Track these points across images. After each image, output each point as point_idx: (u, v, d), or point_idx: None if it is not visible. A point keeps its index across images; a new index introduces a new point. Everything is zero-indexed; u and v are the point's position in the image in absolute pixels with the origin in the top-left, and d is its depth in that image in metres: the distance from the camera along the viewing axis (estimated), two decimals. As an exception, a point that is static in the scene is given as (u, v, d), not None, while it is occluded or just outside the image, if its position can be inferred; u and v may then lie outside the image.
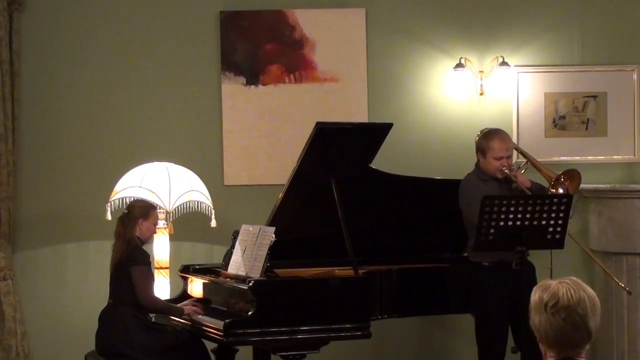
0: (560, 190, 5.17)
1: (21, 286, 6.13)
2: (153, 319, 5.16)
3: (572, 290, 2.56)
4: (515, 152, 5.52)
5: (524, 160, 5.58)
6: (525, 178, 5.13)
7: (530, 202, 4.71)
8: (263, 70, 6.24)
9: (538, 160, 5.56)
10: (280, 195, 5.07)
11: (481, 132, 5.27)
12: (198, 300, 5.28)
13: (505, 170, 5.06)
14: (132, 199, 5.43)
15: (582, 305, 2.54)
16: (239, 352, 5.34)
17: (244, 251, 4.96)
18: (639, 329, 5.98)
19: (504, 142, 5.10)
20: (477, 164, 5.21)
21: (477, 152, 5.19)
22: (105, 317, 5.03)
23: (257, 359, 5.38)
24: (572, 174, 5.23)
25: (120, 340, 4.90)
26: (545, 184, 5.33)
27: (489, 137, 5.14)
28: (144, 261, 5.00)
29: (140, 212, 5.07)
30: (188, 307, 5.08)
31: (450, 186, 5.45)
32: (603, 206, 6.08)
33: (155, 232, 5.27)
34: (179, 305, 5.14)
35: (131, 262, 4.95)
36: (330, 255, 5.22)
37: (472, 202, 4.91)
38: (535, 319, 2.63)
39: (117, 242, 5.05)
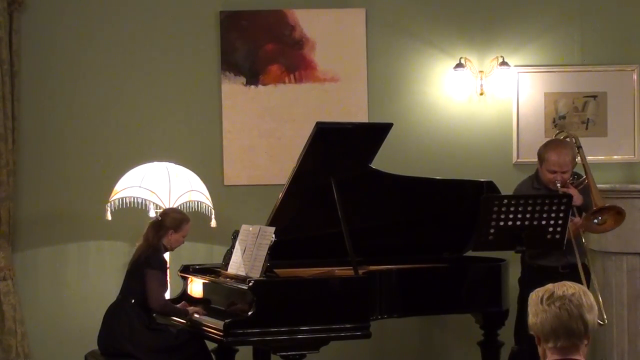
0: (595, 221, 4.99)
1: (21, 286, 6.13)
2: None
3: (567, 286, 2.64)
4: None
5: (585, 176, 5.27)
6: (578, 196, 5.00)
7: (530, 202, 4.71)
8: (263, 70, 6.24)
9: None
10: (280, 195, 5.07)
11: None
12: (198, 300, 5.29)
13: (558, 185, 5.00)
14: (131, 199, 5.45)
15: (576, 296, 2.61)
16: (239, 352, 5.35)
17: (244, 251, 4.97)
18: (639, 329, 5.98)
19: (560, 156, 5.03)
20: (537, 170, 5.19)
21: (537, 159, 5.15)
22: (111, 313, 5.05)
23: (257, 359, 5.39)
24: (620, 214, 4.99)
25: (123, 337, 4.92)
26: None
27: (548, 147, 5.10)
28: (160, 267, 5.04)
29: (172, 223, 5.10)
30: (191, 308, 5.09)
31: (450, 186, 5.45)
32: (603, 206, 6.07)
33: (182, 243, 5.28)
34: (179, 305, 5.17)
35: (147, 264, 4.99)
36: (330, 255, 5.22)
37: None
38: (532, 318, 2.65)
39: (143, 243, 5.10)
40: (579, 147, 5.24)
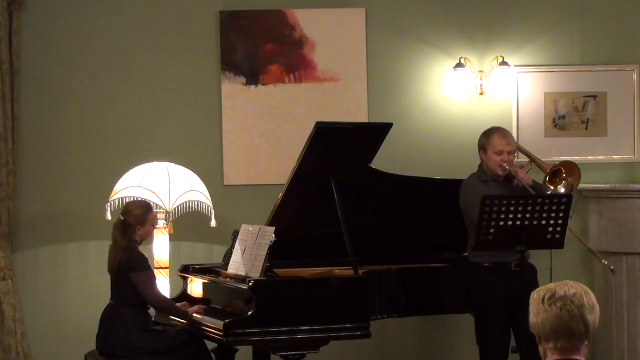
0: (562, 190, 5.17)
1: (21, 286, 6.13)
2: (154, 318, 5.17)
3: (569, 286, 2.63)
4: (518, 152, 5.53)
5: (527, 160, 5.60)
6: (526, 175, 5.13)
7: (530, 202, 4.72)
8: (263, 70, 6.24)
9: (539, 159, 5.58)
10: (280, 195, 5.07)
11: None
12: (198, 300, 5.28)
13: (506, 167, 5.05)
14: (131, 199, 5.43)
15: (578, 297, 2.60)
16: (239, 352, 5.35)
17: (244, 251, 4.97)
18: (639, 329, 5.98)
19: (504, 137, 5.11)
20: (480, 165, 5.21)
21: (479, 151, 5.19)
22: (106, 318, 5.04)
23: (257, 359, 5.39)
24: (571, 168, 5.23)
25: (121, 341, 4.91)
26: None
27: (490, 133, 5.17)
28: (144, 267, 5.01)
29: (136, 220, 5.04)
30: (191, 309, 5.07)
31: (450, 186, 5.45)
32: (603, 206, 6.08)
33: (154, 231, 5.27)
34: (181, 305, 5.16)
35: (131, 269, 4.96)
36: (331, 255, 5.22)
37: (472, 203, 4.91)
38: (534, 318, 2.65)
39: (114, 247, 5.05)
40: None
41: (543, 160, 5.63)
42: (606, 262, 5.55)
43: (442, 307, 5.29)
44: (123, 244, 4.99)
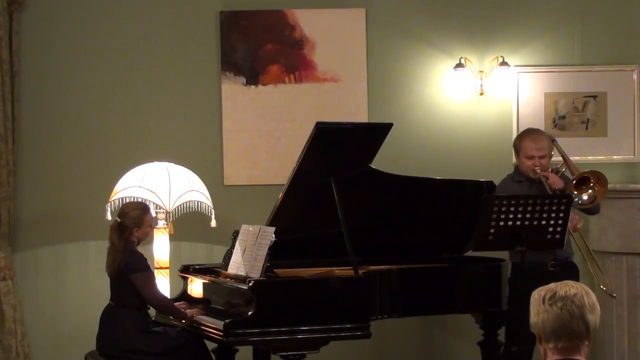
0: (585, 197, 5.09)
1: (21, 286, 6.13)
2: (153, 319, 5.17)
3: (569, 286, 2.63)
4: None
5: (562, 161, 5.48)
6: (557, 179, 5.08)
7: (530, 202, 4.72)
8: (263, 70, 6.24)
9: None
10: (281, 195, 5.07)
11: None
12: (198, 300, 5.28)
13: (537, 170, 5.05)
14: (131, 199, 5.43)
15: (578, 297, 2.61)
16: (239, 352, 5.35)
17: (244, 251, 4.96)
18: (639, 329, 5.98)
19: (535, 141, 5.10)
20: (516, 165, 5.24)
21: (514, 152, 5.23)
22: (106, 319, 5.03)
23: (257, 359, 5.39)
24: (600, 178, 5.10)
25: (121, 342, 4.90)
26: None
27: (522, 136, 5.19)
28: (143, 267, 5.00)
29: (132, 222, 5.02)
30: (189, 310, 5.07)
31: (450, 186, 5.46)
32: (603, 206, 6.06)
33: (151, 231, 5.26)
34: (179, 304, 5.16)
35: (130, 270, 4.95)
36: (330, 255, 5.22)
37: None
38: (534, 318, 2.65)
39: (112, 249, 5.03)
40: (554, 139, 5.32)
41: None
42: (604, 288, 5.41)
43: (442, 308, 5.28)
44: (120, 245, 4.98)
